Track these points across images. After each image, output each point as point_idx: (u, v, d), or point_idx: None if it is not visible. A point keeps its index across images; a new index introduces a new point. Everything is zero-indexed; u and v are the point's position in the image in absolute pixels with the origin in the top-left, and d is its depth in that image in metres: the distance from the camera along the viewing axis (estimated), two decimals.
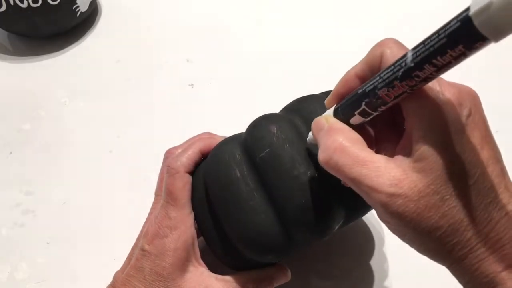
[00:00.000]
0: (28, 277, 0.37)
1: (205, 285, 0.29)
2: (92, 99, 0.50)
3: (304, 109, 0.30)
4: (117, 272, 0.31)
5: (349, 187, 0.23)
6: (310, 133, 0.27)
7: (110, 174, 0.43)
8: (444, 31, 0.17)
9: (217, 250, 0.31)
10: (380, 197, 0.20)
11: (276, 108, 0.33)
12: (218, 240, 0.30)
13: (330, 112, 0.25)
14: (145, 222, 0.32)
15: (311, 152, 0.28)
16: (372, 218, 0.40)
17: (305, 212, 0.27)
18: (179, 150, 0.32)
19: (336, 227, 0.29)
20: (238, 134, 0.31)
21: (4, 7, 0.48)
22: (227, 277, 0.30)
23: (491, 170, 0.20)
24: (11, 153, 0.45)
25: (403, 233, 0.22)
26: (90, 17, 0.57)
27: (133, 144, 0.46)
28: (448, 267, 0.22)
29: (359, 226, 0.40)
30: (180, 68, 0.53)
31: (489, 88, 0.50)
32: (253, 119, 0.30)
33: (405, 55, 0.19)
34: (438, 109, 0.20)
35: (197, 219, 0.31)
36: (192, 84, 0.51)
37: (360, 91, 0.23)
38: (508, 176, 0.21)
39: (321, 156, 0.22)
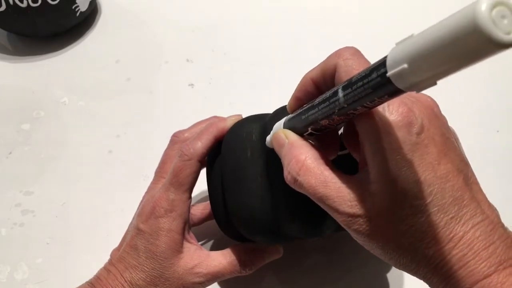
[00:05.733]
0: (28, 277, 0.37)
1: (199, 260, 0.30)
2: (91, 99, 0.50)
3: None
4: (113, 250, 0.32)
5: None
6: (268, 137, 0.27)
7: (110, 174, 0.43)
8: (368, 82, 0.17)
9: (220, 219, 0.32)
10: (341, 217, 0.21)
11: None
12: (222, 209, 0.31)
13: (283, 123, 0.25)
14: (141, 201, 0.33)
15: None
16: None
17: (297, 213, 0.28)
18: (186, 134, 0.33)
19: (328, 232, 0.29)
20: (266, 114, 0.31)
21: (3, 7, 0.48)
22: (220, 251, 0.32)
23: (452, 184, 0.20)
24: (11, 153, 0.45)
25: (371, 249, 0.22)
26: (89, 17, 0.57)
27: (133, 144, 0.46)
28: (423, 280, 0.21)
29: None
30: (180, 68, 0.53)
31: (489, 88, 0.50)
32: None
33: (336, 93, 0.19)
34: (383, 131, 0.20)
35: (209, 185, 0.32)
36: (192, 84, 0.51)
37: (303, 117, 0.23)
38: (476, 185, 0.21)
39: (287, 177, 0.23)
